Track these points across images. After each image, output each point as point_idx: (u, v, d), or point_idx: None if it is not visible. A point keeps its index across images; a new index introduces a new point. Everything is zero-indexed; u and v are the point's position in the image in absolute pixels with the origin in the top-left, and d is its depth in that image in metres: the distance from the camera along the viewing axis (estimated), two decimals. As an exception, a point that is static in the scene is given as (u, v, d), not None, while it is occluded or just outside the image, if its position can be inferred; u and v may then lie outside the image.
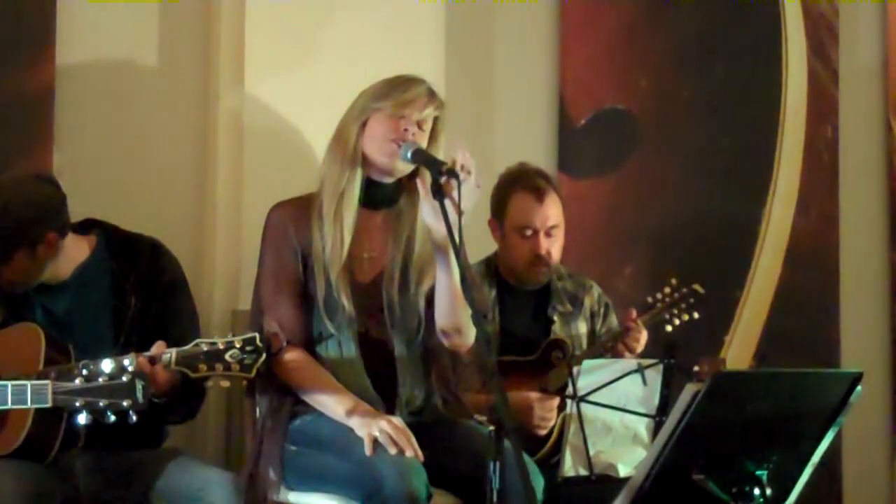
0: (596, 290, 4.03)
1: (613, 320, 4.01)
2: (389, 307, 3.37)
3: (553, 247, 3.90)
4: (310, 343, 3.36)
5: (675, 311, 3.94)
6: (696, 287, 3.96)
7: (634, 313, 3.86)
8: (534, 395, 3.69)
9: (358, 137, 3.37)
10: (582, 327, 3.96)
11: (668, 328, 3.92)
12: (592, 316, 4.00)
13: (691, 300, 3.95)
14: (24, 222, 3.23)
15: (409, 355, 3.38)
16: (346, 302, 3.32)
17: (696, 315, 3.96)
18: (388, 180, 3.40)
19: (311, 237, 3.37)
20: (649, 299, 3.95)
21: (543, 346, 3.84)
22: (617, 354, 3.83)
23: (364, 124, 3.37)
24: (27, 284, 3.30)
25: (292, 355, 3.33)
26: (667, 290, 3.95)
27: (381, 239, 3.42)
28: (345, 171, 3.36)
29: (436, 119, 3.38)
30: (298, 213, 3.40)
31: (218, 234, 3.94)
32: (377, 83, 3.39)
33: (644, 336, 3.84)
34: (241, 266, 3.89)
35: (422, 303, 3.38)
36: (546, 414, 3.68)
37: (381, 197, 3.41)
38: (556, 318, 3.93)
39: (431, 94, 3.37)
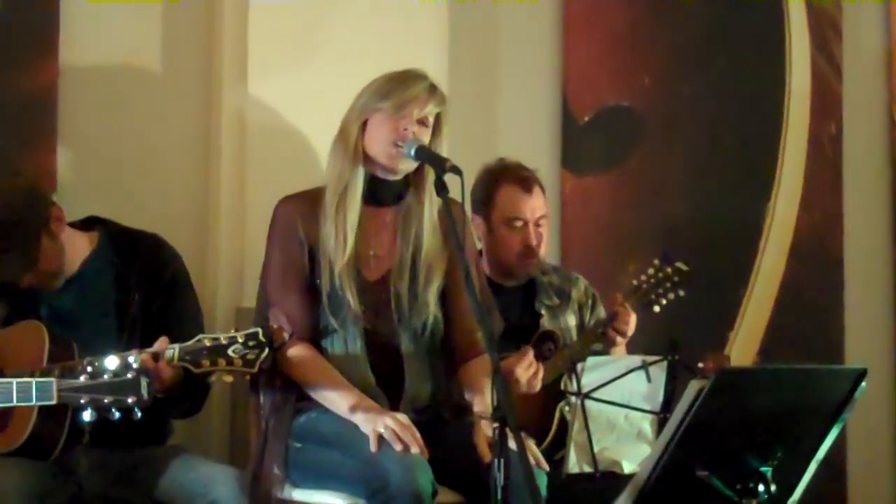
0: (582, 283, 4.03)
1: (601, 311, 4.00)
2: (397, 303, 3.37)
3: (541, 238, 3.90)
4: (316, 337, 3.36)
5: (661, 291, 3.91)
6: (680, 265, 3.93)
7: (621, 297, 3.86)
8: (510, 360, 3.62)
9: (359, 137, 3.37)
10: (571, 320, 3.95)
11: (656, 308, 3.90)
12: (580, 308, 3.99)
13: (676, 278, 3.92)
14: (30, 206, 3.25)
15: (416, 352, 3.38)
16: (351, 299, 3.32)
17: (681, 293, 3.91)
18: (393, 178, 3.40)
19: (319, 232, 3.37)
20: (634, 282, 3.93)
21: (534, 339, 3.83)
22: (608, 341, 3.82)
23: (365, 123, 3.37)
24: (60, 271, 3.30)
25: (298, 350, 3.33)
26: (651, 270, 3.93)
27: (388, 236, 3.42)
28: (347, 170, 3.36)
29: (438, 114, 3.38)
30: (306, 207, 3.39)
31: (222, 232, 3.95)
32: (377, 80, 3.39)
33: (633, 319, 3.82)
34: (245, 264, 3.89)
35: (433, 300, 3.38)
36: (529, 370, 3.63)
37: (386, 194, 3.41)
38: (543, 311, 3.92)
39: (432, 90, 3.36)
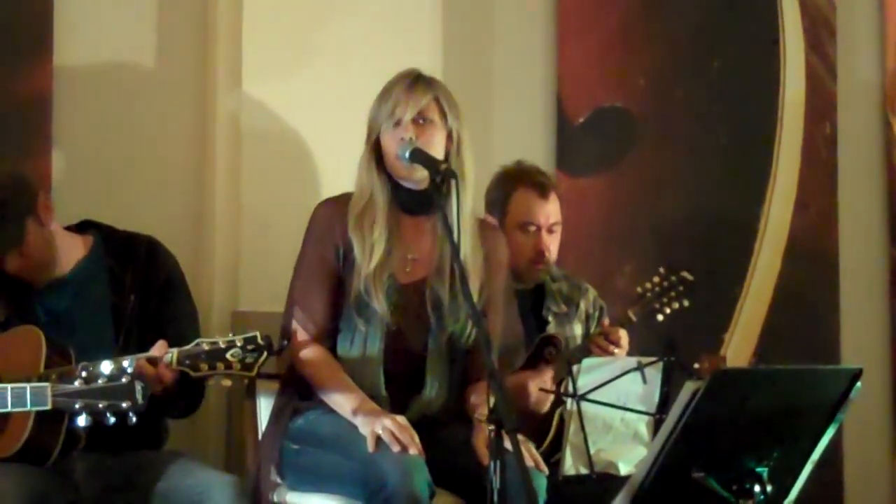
0: (591, 293, 4.03)
1: (606, 323, 4.00)
2: (436, 307, 3.37)
3: (553, 244, 3.90)
4: (336, 337, 3.37)
5: (665, 300, 3.90)
6: (685, 274, 3.92)
7: (607, 321, 3.87)
8: (526, 374, 3.67)
9: (372, 151, 3.38)
10: (577, 329, 3.95)
11: (660, 317, 3.89)
12: (587, 318, 3.99)
13: (680, 288, 3.91)
14: (18, 189, 3.25)
15: (441, 359, 3.38)
16: (377, 305, 3.32)
17: (685, 303, 3.91)
18: (421, 186, 3.37)
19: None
20: (638, 290, 3.93)
21: (536, 342, 3.83)
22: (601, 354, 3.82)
23: (377, 141, 3.38)
24: (49, 263, 3.29)
25: (312, 352, 3.35)
26: (655, 279, 3.92)
27: (427, 242, 3.41)
28: (367, 184, 3.38)
29: (437, 100, 3.37)
30: (346, 210, 3.40)
31: (217, 235, 3.95)
32: (376, 97, 3.40)
33: (623, 335, 3.82)
34: (241, 267, 3.89)
35: (468, 306, 3.36)
36: (542, 393, 3.65)
37: (417, 203, 3.40)
38: (550, 318, 3.93)
39: (412, 85, 3.35)
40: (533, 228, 3.88)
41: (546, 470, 3.24)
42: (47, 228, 3.28)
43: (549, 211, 3.89)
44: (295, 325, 3.37)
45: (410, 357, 3.37)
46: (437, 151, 3.32)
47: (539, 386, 3.64)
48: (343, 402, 3.29)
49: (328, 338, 3.37)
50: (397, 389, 3.35)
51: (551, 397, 3.66)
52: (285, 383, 3.44)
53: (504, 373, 2.86)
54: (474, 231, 3.40)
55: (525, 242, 3.88)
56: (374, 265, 3.33)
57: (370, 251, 3.34)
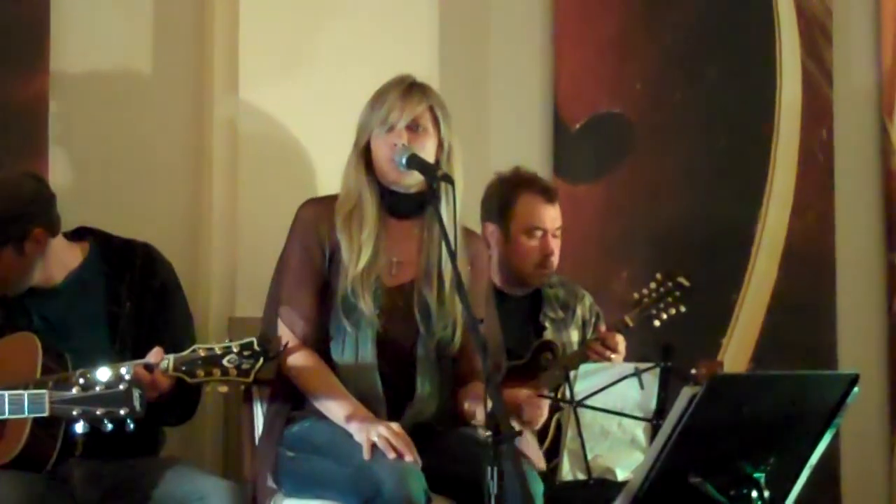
0: (588, 300, 4.03)
1: (602, 330, 4.00)
2: (423, 311, 3.37)
3: (556, 249, 3.92)
4: (325, 340, 3.36)
5: (662, 306, 3.92)
6: (682, 280, 3.94)
7: (629, 320, 3.87)
8: (523, 392, 3.66)
9: (362, 156, 3.38)
10: (574, 335, 3.96)
11: (657, 323, 3.91)
12: (584, 324, 3.99)
13: (677, 293, 3.93)
14: (10, 218, 3.24)
15: (430, 362, 3.38)
16: (364, 306, 3.31)
17: (682, 308, 3.93)
18: (411, 190, 3.38)
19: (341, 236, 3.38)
20: (636, 295, 3.94)
21: (533, 348, 3.83)
22: (599, 359, 3.82)
23: (367, 146, 3.38)
24: (18, 285, 3.30)
25: (301, 358, 3.34)
26: (652, 285, 3.94)
27: (413, 246, 3.41)
28: (354, 187, 3.38)
29: (431, 109, 3.37)
30: (329, 211, 3.40)
31: (214, 241, 3.94)
32: (370, 98, 3.39)
33: (620, 340, 3.82)
34: (238, 273, 3.89)
35: (458, 309, 3.36)
36: (535, 410, 3.64)
37: (408, 207, 3.40)
38: (547, 324, 3.93)
39: (407, 93, 3.35)
40: (539, 233, 3.89)
41: (544, 466, 3.23)
42: (29, 257, 3.27)
43: (555, 215, 3.92)
44: (281, 327, 3.36)
45: (400, 361, 3.37)
46: (428, 159, 3.32)
47: (532, 406, 3.62)
48: (336, 409, 3.29)
49: (316, 340, 3.36)
50: (390, 394, 3.35)
51: (543, 416, 3.65)
52: (275, 390, 3.42)
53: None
54: (460, 238, 3.40)
55: (532, 247, 3.89)
56: (361, 266, 3.33)
57: (358, 252, 3.34)
